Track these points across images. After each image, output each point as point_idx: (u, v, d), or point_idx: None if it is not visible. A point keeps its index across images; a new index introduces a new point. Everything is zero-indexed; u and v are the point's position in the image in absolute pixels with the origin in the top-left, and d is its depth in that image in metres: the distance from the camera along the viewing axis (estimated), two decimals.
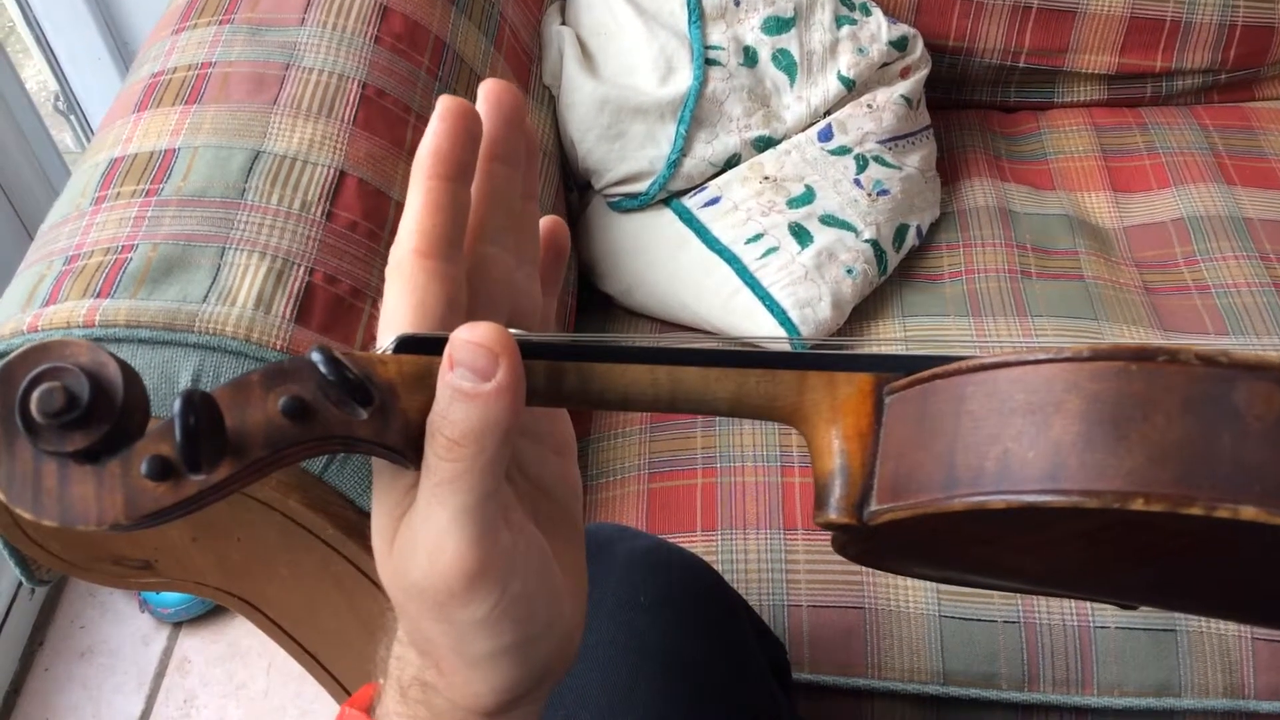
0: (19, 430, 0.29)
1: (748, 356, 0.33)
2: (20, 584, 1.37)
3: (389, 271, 0.34)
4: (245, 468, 0.30)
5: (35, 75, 1.69)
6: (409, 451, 0.32)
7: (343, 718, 0.39)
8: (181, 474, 0.29)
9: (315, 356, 0.30)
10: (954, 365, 0.29)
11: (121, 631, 1.41)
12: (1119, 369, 0.26)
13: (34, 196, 1.41)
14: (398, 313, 0.33)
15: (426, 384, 0.31)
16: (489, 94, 0.36)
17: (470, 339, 0.31)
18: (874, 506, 0.30)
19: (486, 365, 0.30)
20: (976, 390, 0.28)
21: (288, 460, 0.31)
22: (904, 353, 0.32)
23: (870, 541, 0.33)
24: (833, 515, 0.31)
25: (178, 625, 1.41)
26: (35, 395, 0.29)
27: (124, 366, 0.30)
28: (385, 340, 0.33)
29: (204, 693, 1.36)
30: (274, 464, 0.31)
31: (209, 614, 1.41)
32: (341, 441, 0.31)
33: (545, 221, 0.41)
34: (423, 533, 0.32)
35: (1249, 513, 0.24)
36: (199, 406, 0.29)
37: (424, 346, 0.32)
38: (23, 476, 0.29)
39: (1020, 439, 0.27)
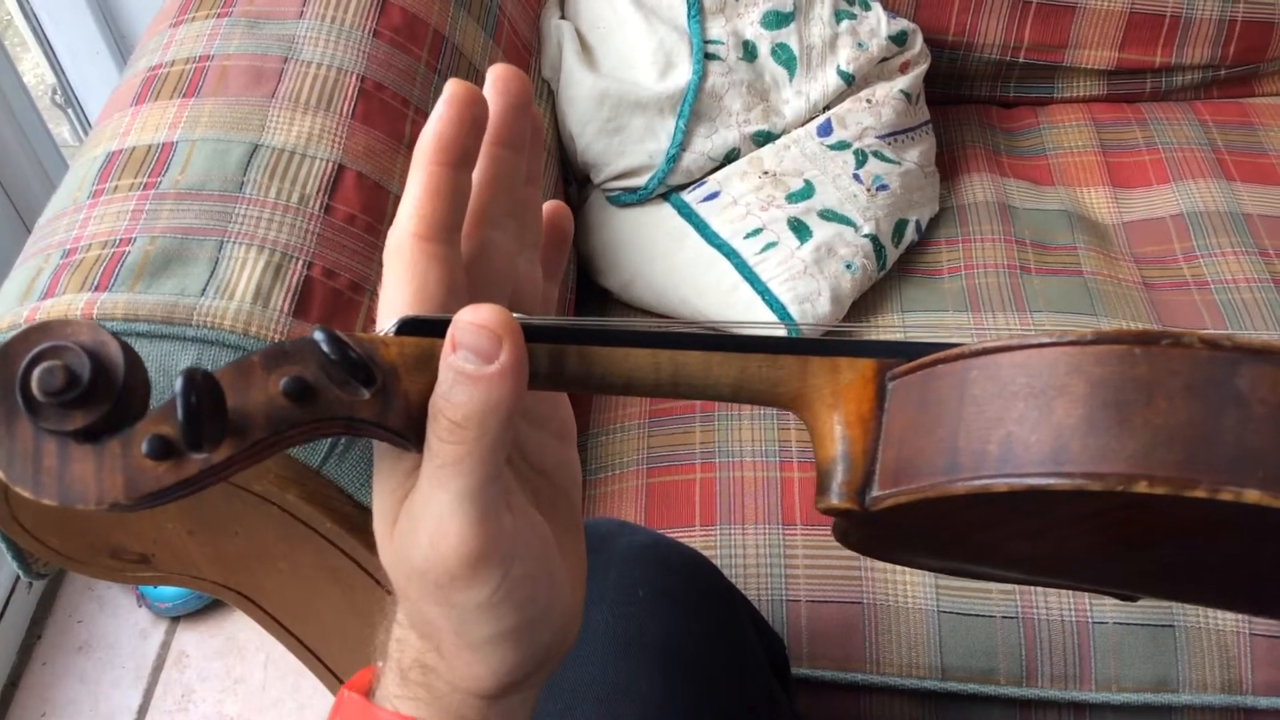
0: (19, 409, 0.29)
1: (750, 341, 0.33)
2: (18, 578, 1.37)
3: (387, 255, 0.34)
4: (247, 448, 0.30)
5: (33, 68, 1.69)
6: (411, 434, 0.32)
7: (342, 701, 0.39)
8: (183, 454, 0.29)
9: (318, 336, 0.30)
10: (956, 350, 0.29)
11: (119, 626, 1.41)
12: (1123, 353, 0.26)
13: (31, 190, 1.41)
14: (398, 295, 0.33)
15: (429, 366, 0.31)
16: (497, 79, 0.36)
17: (474, 321, 0.31)
18: (876, 492, 0.30)
19: (489, 347, 0.30)
20: (979, 374, 0.28)
21: (289, 441, 0.31)
22: (906, 339, 0.32)
23: (872, 528, 0.33)
24: (834, 501, 0.31)
25: (175, 620, 1.41)
26: (36, 373, 0.28)
27: (125, 346, 0.30)
28: (386, 323, 0.33)
29: (201, 687, 1.35)
30: (275, 445, 0.30)
31: (206, 608, 1.41)
32: (343, 422, 0.31)
33: (548, 206, 0.41)
34: (424, 516, 0.32)
35: (1253, 496, 0.24)
36: (201, 386, 0.29)
37: (426, 329, 0.32)
38: (23, 455, 0.29)
39: (1023, 422, 0.27)
